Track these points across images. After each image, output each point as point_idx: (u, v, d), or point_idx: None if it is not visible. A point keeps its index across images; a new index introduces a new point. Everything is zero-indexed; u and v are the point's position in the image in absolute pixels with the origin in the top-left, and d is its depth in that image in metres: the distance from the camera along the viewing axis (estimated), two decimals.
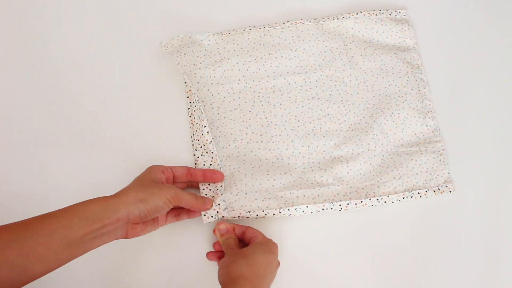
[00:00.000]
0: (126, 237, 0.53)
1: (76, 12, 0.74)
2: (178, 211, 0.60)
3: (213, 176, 0.61)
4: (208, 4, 0.75)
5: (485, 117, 0.70)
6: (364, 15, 0.72)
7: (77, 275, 0.60)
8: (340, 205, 0.62)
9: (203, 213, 0.59)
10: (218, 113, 0.67)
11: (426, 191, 0.63)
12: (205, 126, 0.63)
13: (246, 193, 0.62)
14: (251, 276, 0.50)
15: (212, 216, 0.59)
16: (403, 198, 0.63)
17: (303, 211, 0.61)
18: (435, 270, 0.62)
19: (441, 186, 0.64)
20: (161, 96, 0.69)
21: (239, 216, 0.60)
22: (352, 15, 0.72)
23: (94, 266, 0.60)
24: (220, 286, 0.50)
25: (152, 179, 0.56)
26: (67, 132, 0.67)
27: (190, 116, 0.67)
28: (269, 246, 0.56)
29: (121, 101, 0.69)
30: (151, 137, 0.67)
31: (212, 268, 0.60)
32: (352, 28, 0.73)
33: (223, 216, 0.60)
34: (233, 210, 0.60)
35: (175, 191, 0.54)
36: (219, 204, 0.60)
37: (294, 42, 0.71)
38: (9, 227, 0.46)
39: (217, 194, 0.61)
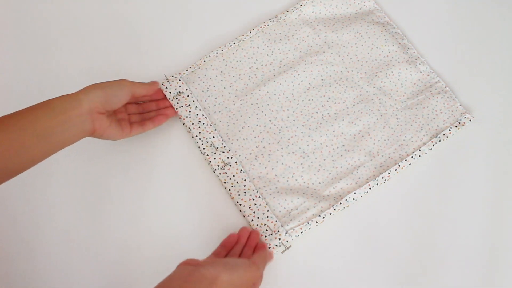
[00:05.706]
0: (95, 132, 0.55)
1: None
2: (142, 121, 0.63)
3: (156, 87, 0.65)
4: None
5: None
6: None
7: (77, 276, 0.60)
8: (383, 177, 0.62)
9: (268, 243, 0.59)
10: (229, 139, 0.65)
11: (450, 130, 0.65)
12: (214, 137, 0.65)
13: (297, 209, 0.61)
14: None
15: (276, 245, 0.59)
16: (433, 145, 0.64)
17: (354, 199, 0.61)
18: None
19: (461, 119, 0.65)
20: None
21: (301, 232, 0.59)
22: (308, 0, 0.73)
23: (94, 266, 0.61)
24: None
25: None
26: None
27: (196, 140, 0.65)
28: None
29: None
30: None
31: None
32: (313, 12, 0.73)
33: (287, 241, 0.59)
34: (293, 230, 0.60)
35: (131, 81, 0.60)
36: (278, 231, 0.59)
37: (267, 47, 0.71)
38: None
39: (273, 224, 0.60)
